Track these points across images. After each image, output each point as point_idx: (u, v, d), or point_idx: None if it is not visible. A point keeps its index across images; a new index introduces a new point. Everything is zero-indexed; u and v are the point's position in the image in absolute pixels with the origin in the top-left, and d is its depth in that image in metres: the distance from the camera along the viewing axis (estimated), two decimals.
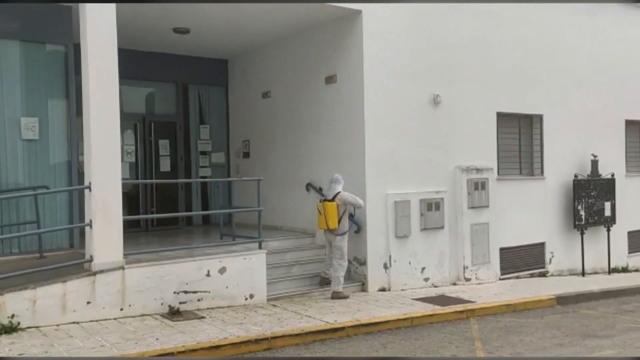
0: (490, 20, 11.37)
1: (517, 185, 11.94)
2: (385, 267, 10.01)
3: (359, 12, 9.79)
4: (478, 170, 11.06)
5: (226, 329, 7.21)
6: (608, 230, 13.05)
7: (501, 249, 11.52)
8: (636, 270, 13.82)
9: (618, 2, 13.52)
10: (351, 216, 9.76)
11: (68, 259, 8.08)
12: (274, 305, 8.65)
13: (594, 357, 6.83)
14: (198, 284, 8.24)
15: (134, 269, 7.77)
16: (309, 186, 10.86)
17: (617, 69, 13.53)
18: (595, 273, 12.97)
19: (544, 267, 12.30)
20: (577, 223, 12.47)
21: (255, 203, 9.43)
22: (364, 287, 9.88)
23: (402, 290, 10.06)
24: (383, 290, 9.94)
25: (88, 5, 7.57)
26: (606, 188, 12.92)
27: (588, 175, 12.71)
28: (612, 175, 13.00)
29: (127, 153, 11.87)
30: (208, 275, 8.33)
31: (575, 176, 12.50)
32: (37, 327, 7.02)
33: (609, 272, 13.06)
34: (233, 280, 8.53)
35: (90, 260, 7.55)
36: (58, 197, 8.99)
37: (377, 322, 7.86)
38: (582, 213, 12.51)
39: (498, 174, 11.51)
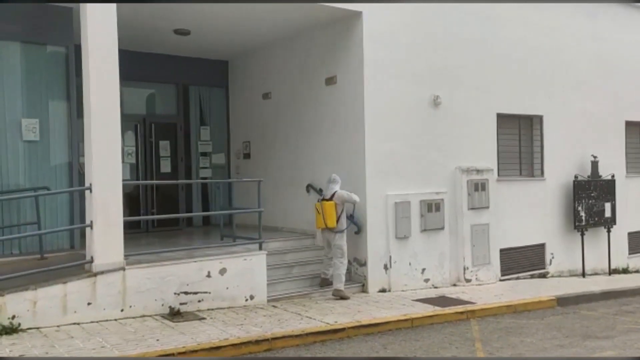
0: (490, 22, 11.38)
1: (518, 186, 11.95)
2: (386, 268, 10.02)
3: (359, 13, 9.80)
4: (478, 171, 11.07)
5: (226, 330, 7.22)
6: (608, 231, 13.05)
7: (501, 250, 11.52)
8: (636, 271, 13.82)
9: (618, 2, 13.53)
10: (351, 217, 9.78)
11: (69, 260, 8.10)
12: (274, 306, 8.66)
13: (594, 358, 6.84)
14: (198, 285, 8.25)
15: (135, 270, 7.77)
16: (309, 187, 10.87)
17: (617, 69, 13.54)
18: (596, 274, 12.97)
19: (544, 268, 12.30)
20: (577, 224, 12.47)
21: (255, 204, 9.45)
22: (364, 288, 9.88)
23: (403, 291, 10.07)
24: (383, 291, 9.94)
25: (89, 6, 7.58)
26: (606, 189, 12.93)
27: (588, 176, 12.71)
28: (613, 176, 13.01)
29: (128, 154, 11.88)
30: (208, 276, 8.33)
31: (576, 177, 12.50)
32: (37, 328, 7.02)
33: (610, 273, 13.07)
34: (233, 281, 8.53)
35: (91, 261, 7.55)
36: (59, 198, 9.00)
37: (378, 323, 7.87)
38: (583, 214, 12.51)
39: (498, 174, 11.51)
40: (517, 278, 11.75)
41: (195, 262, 8.29)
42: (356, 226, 9.90)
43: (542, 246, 12.30)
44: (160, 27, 10.36)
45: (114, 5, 7.72)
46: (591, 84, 13.05)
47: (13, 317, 6.91)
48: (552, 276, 12.34)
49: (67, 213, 9.09)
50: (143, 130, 12.34)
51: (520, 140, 12.11)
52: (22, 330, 6.90)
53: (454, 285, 10.78)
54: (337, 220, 9.27)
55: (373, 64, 9.90)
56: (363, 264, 9.94)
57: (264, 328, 7.35)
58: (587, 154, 12.84)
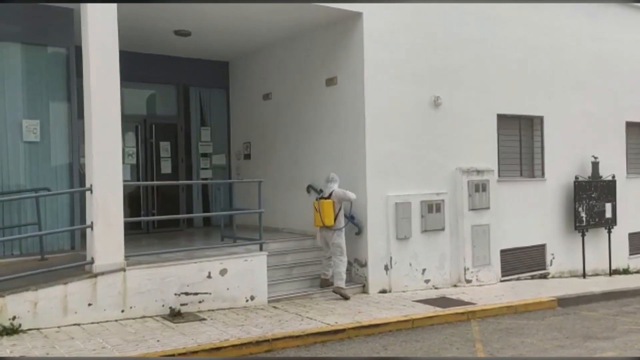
0: (490, 22, 11.38)
1: (518, 186, 11.95)
2: (386, 268, 10.01)
3: (359, 14, 9.80)
4: (479, 171, 11.07)
5: (227, 331, 7.22)
6: (609, 232, 13.05)
7: (502, 251, 11.52)
8: (637, 272, 13.81)
9: (618, 2, 13.53)
10: (352, 218, 9.78)
11: (69, 260, 8.10)
12: (274, 306, 8.66)
13: (594, 359, 6.83)
14: (199, 286, 8.25)
15: (135, 271, 7.77)
16: (309, 188, 10.87)
17: (618, 70, 13.54)
18: (596, 275, 12.97)
19: (544, 269, 12.30)
20: (577, 225, 12.47)
21: (256, 205, 9.45)
22: (364, 289, 9.88)
23: (403, 292, 10.07)
24: (384, 292, 9.94)
25: (89, 7, 7.59)
26: (607, 190, 12.92)
27: (589, 177, 12.71)
28: (613, 176, 13.01)
29: (128, 155, 11.88)
30: (209, 276, 8.33)
31: (576, 178, 12.50)
32: (38, 329, 7.02)
33: (610, 274, 13.06)
34: (234, 281, 8.53)
35: (92, 262, 7.56)
36: (59, 199, 9.00)
37: (378, 323, 7.86)
38: (583, 215, 12.51)
39: (499, 175, 11.51)
40: (518, 279, 11.75)
41: (195, 262, 8.29)
42: (357, 227, 9.91)
43: (542, 247, 12.30)
44: (161, 28, 10.37)
45: (114, 6, 7.72)
46: (591, 84, 13.05)
47: (14, 318, 6.91)
48: (553, 277, 12.33)
49: (68, 214, 9.10)
50: (143, 131, 12.35)
51: (520, 140, 12.12)
52: (22, 331, 6.90)
53: (455, 286, 10.78)
54: (335, 219, 9.29)
55: (373, 65, 9.90)
56: (363, 265, 9.94)
57: (264, 329, 7.35)
58: (587, 154, 12.84)
